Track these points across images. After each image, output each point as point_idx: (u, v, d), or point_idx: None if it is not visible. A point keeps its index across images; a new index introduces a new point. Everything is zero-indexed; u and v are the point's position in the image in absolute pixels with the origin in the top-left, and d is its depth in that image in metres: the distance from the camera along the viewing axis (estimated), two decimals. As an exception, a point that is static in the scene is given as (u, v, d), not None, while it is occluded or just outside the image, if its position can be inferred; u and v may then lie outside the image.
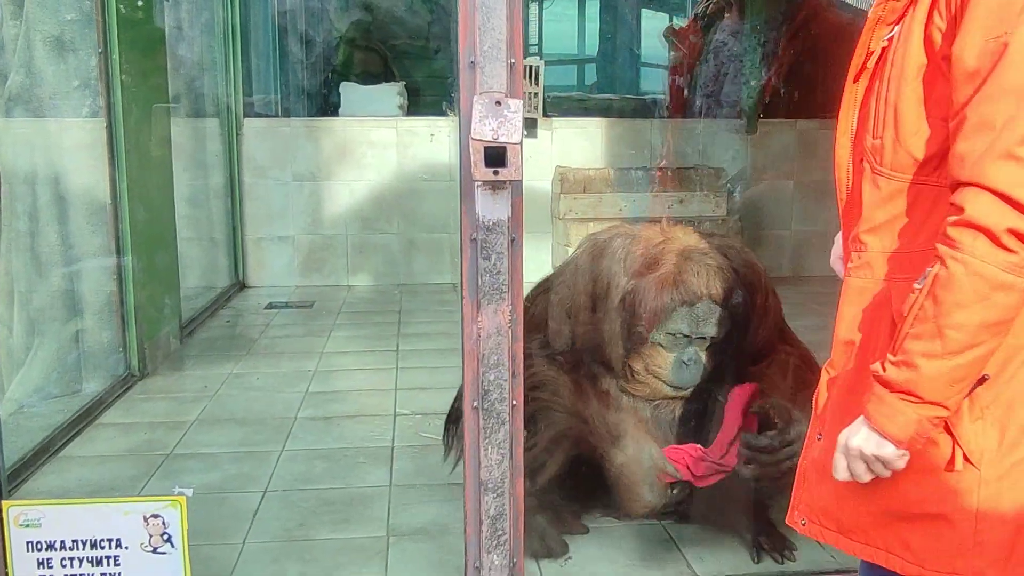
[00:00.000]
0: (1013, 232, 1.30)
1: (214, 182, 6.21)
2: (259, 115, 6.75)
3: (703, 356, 2.72)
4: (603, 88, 9.53)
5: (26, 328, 4.07)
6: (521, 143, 2.11)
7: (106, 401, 4.02)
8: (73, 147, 4.12)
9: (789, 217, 6.78)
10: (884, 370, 1.41)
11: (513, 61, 2.15)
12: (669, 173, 6.29)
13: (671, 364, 2.71)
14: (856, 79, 1.57)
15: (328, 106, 7.25)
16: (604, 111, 7.13)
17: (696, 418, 2.88)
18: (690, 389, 2.75)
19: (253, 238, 6.51)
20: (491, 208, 2.18)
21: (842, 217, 1.63)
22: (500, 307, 2.22)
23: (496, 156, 2.09)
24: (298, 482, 3.24)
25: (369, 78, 7.43)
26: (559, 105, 7.04)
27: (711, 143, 6.67)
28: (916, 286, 1.37)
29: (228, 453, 3.50)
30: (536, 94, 6.42)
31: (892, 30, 1.52)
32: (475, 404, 2.26)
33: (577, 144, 6.66)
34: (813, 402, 1.65)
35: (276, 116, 6.98)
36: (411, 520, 2.94)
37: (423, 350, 4.92)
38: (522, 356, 2.27)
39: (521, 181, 2.17)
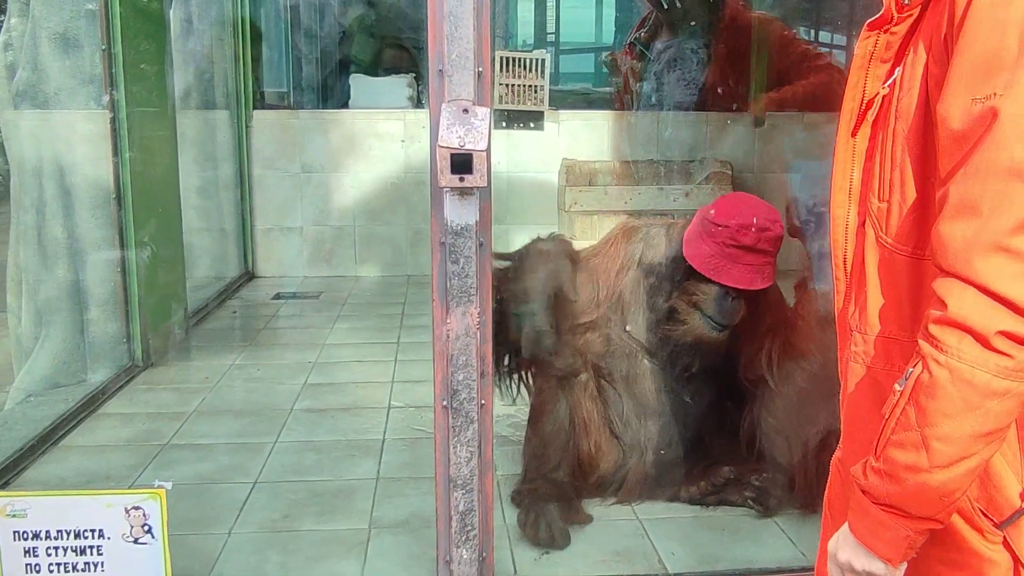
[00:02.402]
0: (1006, 335, 1.13)
1: (224, 173, 6.30)
2: (269, 107, 6.82)
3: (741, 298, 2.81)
4: (608, 76, 9.53)
5: (34, 319, 4.17)
6: (488, 150, 2.17)
7: (109, 391, 4.11)
8: (78, 140, 4.21)
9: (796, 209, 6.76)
10: (865, 477, 1.25)
11: (481, 70, 2.20)
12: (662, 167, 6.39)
13: (715, 296, 2.79)
14: (855, 132, 1.39)
15: (338, 98, 7.30)
16: (610, 104, 7.14)
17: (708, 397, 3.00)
18: (724, 333, 2.84)
19: (262, 228, 6.59)
20: (459, 213, 2.23)
21: (838, 286, 1.45)
22: (468, 309, 2.28)
23: (462, 163, 2.14)
24: (288, 473, 3.32)
25: (391, 71, 7.45)
26: (564, 99, 7.05)
27: (718, 137, 6.68)
28: (897, 387, 1.21)
29: (223, 444, 3.58)
30: (541, 87, 6.44)
31: (892, 73, 1.34)
32: (444, 403, 2.33)
33: (584, 136, 6.68)
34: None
35: (286, 108, 7.05)
36: (394, 513, 3.02)
37: (424, 342, 4.93)
38: (491, 357, 2.33)
39: (489, 187, 2.22)
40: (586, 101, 7.38)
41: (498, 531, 2.68)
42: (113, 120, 4.24)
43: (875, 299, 1.34)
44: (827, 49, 7.52)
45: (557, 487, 2.94)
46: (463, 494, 2.36)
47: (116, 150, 4.27)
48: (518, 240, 6.65)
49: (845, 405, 1.44)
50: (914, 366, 1.19)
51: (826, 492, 1.52)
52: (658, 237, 3.03)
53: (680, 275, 2.88)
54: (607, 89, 7.78)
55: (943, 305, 1.16)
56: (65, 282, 4.20)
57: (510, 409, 3.78)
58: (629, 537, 2.86)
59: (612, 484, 3.07)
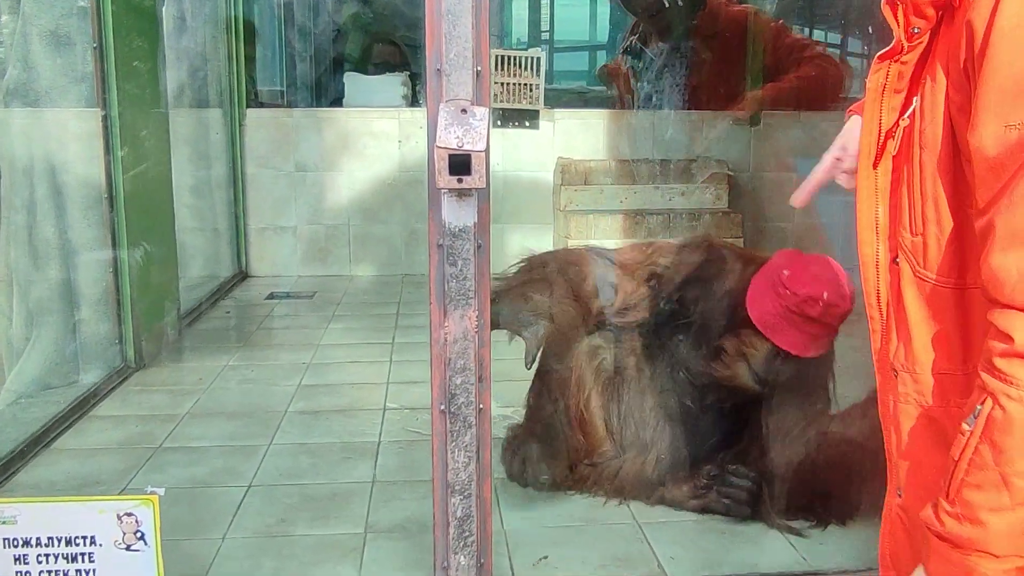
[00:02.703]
0: None
1: (217, 172, 6.25)
2: (262, 105, 6.78)
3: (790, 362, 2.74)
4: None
5: (24, 320, 4.13)
6: (487, 151, 2.13)
7: (101, 393, 4.07)
8: (70, 139, 4.16)
9: (791, 209, 6.73)
10: (941, 523, 1.20)
11: (480, 69, 2.17)
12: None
13: (766, 353, 2.73)
14: (876, 164, 1.36)
15: (332, 96, 7.27)
16: (606, 102, 7.11)
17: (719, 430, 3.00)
18: (754, 394, 2.82)
19: (256, 228, 6.55)
20: (457, 215, 2.20)
21: (873, 325, 1.41)
22: (467, 312, 2.24)
23: (461, 164, 2.11)
24: (282, 477, 3.28)
25: (385, 69, 7.42)
26: (559, 98, 7.02)
27: (714, 136, 6.65)
28: (965, 426, 1.17)
29: (216, 447, 3.54)
30: (537, 85, 6.41)
31: (910, 102, 1.32)
32: (442, 407, 2.29)
33: (579, 136, 6.65)
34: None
35: (280, 106, 7.00)
36: (390, 517, 2.98)
37: (419, 343, 4.94)
38: (489, 360, 2.30)
39: (487, 188, 2.19)
40: (582, 100, 7.35)
41: (496, 536, 2.65)
42: (105, 119, 4.19)
43: (920, 336, 1.31)
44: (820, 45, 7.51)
45: (550, 435, 2.96)
46: (461, 500, 2.32)
47: (108, 149, 4.23)
48: (512, 239, 6.67)
49: (902, 449, 1.39)
50: (982, 403, 1.15)
51: (884, 542, 1.48)
52: (729, 261, 2.97)
53: (734, 316, 2.81)
54: (602, 88, 7.77)
55: (1008, 338, 1.13)
56: (56, 282, 4.15)
57: (507, 411, 3.76)
58: (628, 541, 2.83)
59: (603, 475, 3.05)
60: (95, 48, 4.12)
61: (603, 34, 11.22)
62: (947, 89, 1.23)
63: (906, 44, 1.31)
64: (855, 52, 8.53)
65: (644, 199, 6.34)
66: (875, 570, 2.67)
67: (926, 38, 1.29)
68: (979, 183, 1.17)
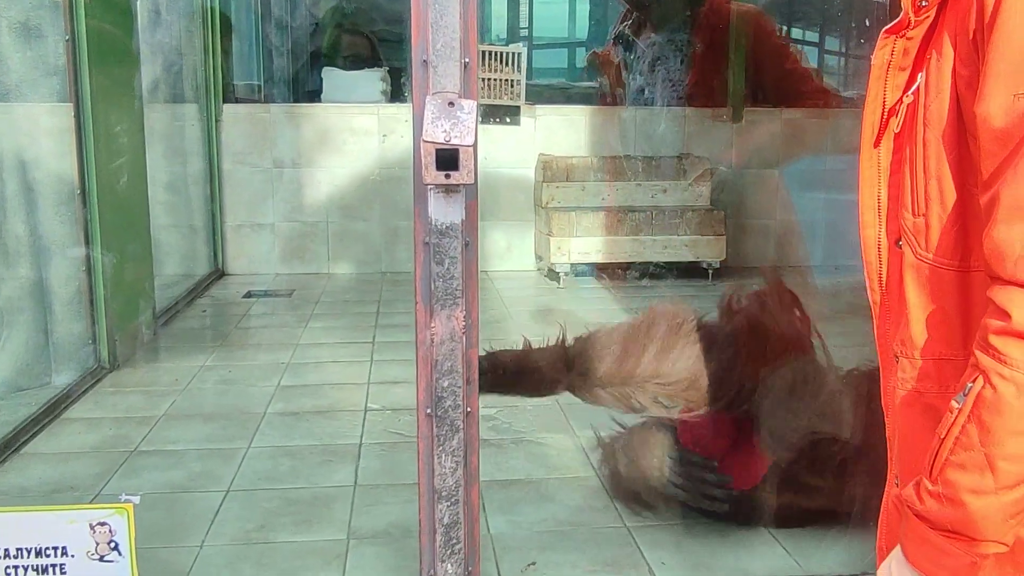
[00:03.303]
0: None
1: (193, 168, 6.14)
2: (239, 100, 6.68)
3: None
4: (592, 73, 9.47)
5: (-5, 319, 4.02)
6: (475, 145, 2.06)
7: (74, 394, 3.97)
8: (41, 134, 4.05)
9: (773, 206, 6.73)
10: (921, 501, 1.16)
11: (467, 60, 2.09)
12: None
13: None
14: (877, 143, 1.32)
15: (310, 91, 7.17)
16: (587, 98, 7.06)
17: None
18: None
19: (233, 225, 6.45)
20: (444, 212, 2.12)
21: (876, 310, 1.37)
22: (454, 312, 2.17)
23: (448, 159, 2.03)
24: (262, 481, 3.20)
25: (360, 63, 7.33)
26: (541, 94, 6.96)
27: (696, 132, 6.61)
28: (955, 404, 1.13)
29: (193, 450, 3.45)
30: (518, 81, 6.34)
31: (914, 79, 1.27)
32: (428, 411, 2.22)
33: (561, 132, 6.59)
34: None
35: (257, 102, 6.90)
36: (373, 522, 2.90)
37: (400, 342, 4.86)
38: (476, 362, 2.23)
39: (475, 184, 2.12)
40: (564, 96, 7.29)
41: (482, 541, 2.58)
42: (77, 113, 4.09)
43: (918, 320, 1.26)
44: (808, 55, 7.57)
45: None
46: (448, 506, 2.25)
47: (81, 145, 4.12)
48: (493, 237, 6.61)
49: (899, 437, 1.34)
50: (973, 381, 1.10)
51: (881, 532, 1.43)
52: None
53: None
54: (583, 84, 7.71)
55: (1005, 315, 1.07)
56: (28, 281, 4.04)
57: (491, 411, 3.70)
58: (617, 545, 2.77)
59: None
60: (67, 41, 4.01)
61: (582, 31, 11.18)
62: (955, 64, 1.19)
63: (913, 18, 1.26)
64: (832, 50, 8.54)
65: (627, 196, 6.30)
66: (869, 574, 2.63)
67: (933, 12, 1.25)
68: (985, 156, 1.13)
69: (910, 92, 1.27)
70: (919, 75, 1.26)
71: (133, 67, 4.70)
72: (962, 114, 1.18)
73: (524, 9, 11.28)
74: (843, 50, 8.38)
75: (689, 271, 6.21)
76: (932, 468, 1.15)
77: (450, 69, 2.08)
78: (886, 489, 1.45)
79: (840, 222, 6.15)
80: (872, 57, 1.31)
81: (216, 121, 6.29)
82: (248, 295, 5.90)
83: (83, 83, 4.08)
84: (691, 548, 2.76)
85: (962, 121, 1.19)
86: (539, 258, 6.55)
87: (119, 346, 4.36)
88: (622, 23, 6.64)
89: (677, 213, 6.19)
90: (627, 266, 6.16)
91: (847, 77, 7.95)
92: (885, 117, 1.30)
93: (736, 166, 6.66)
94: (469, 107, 2.06)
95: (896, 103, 1.29)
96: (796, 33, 8.67)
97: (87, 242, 4.17)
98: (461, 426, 2.21)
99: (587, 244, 6.15)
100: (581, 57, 10.88)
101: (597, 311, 5.37)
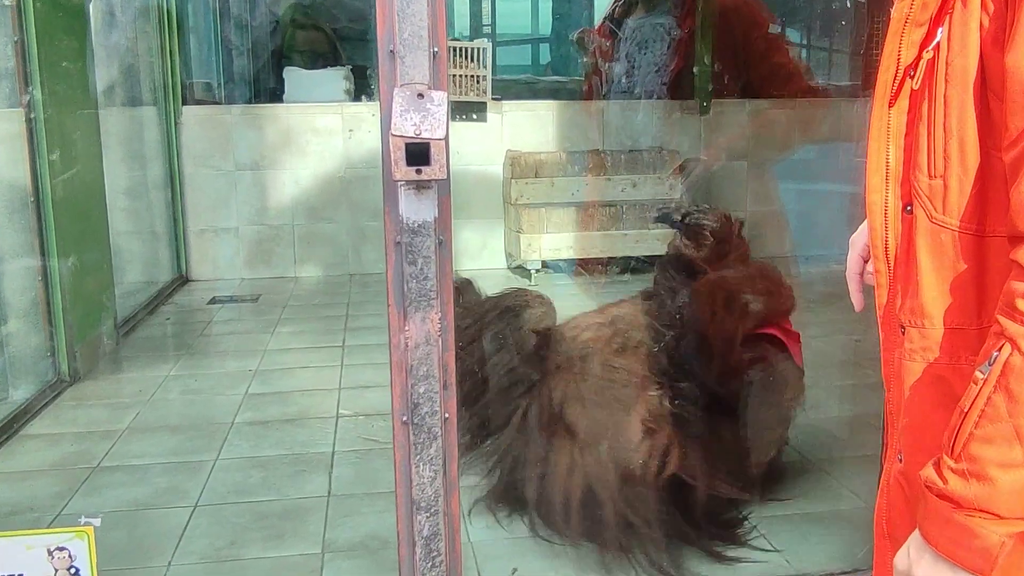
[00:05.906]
0: None
1: (153, 173, 5.98)
2: (199, 102, 6.52)
3: None
4: (557, 69, 9.39)
5: (-53, 334, 3.87)
6: (447, 138, 1.97)
7: (33, 409, 3.82)
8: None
9: (743, 198, 6.68)
10: (945, 480, 1.09)
11: (436, 50, 2.00)
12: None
13: None
14: (892, 103, 1.24)
15: (271, 92, 7.03)
16: (555, 93, 6.98)
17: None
18: None
19: (195, 230, 6.29)
20: (415, 209, 2.03)
21: (878, 279, 1.30)
22: (429, 315, 2.07)
23: (419, 153, 1.93)
24: (231, 494, 3.08)
25: (316, 59, 7.20)
26: (508, 89, 6.87)
27: (663, 125, 6.55)
28: (979, 374, 1.07)
29: (159, 464, 3.33)
30: (484, 77, 6.25)
31: (933, 34, 1.20)
32: (404, 419, 2.12)
33: (528, 127, 6.50)
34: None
35: (217, 103, 6.74)
36: (349, 534, 2.80)
37: (370, 345, 4.76)
38: (454, 366, 2.13)
39: (448, 179, 2.02)
40: (529, 91, 7.20)
41: (464, 550, 2.48)
42: (30, 119, 3.94)
43: (930, 287, 1.19)
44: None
45: None
46: (427, 517, 2.15)
47: (34, 151, 3.97)
48: (462, 235, 6.49)
49: (904, 410, 1.27)
50: (999, 349, 1.03)
51: (880, 512, 1.35)
52: None
53: None
54: (549, 78, 7.63)
55: None
56: (-19, 293, 3.90)
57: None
58: (606, 553, 2.68)
59: None
60: (16, 43, 3.86)
61: (546, 27, 11.12)
62: (980, 18, 1.12)
63: None
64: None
65: (597, 190, 6.22)
66: (861, 571, 2.57)
67: None
68: (1013, 109, 1.06)
69: (930, 48, 1.20)
70: (939, 30, 1.18)
71: (87, 70, 4.55)
72: (987, 71, 1.11)
73: (487, 5, 11.20)
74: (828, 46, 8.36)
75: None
76: (954, 444, 1.08)
77: (418, 59, 1.98)
78: (885, 467, 1.38)
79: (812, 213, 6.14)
80: (892, 11, 1.24)
81: (175, 124, 6.13)
82: (213, 301, 5.76)
83: (35, 87, 3.93)
84: (678, 549, 2.68)
85: (986, 79, 1.12)
86: (510, 256, 6.45)
87: (79, 358, 4.21)
88: (615, 3, 6.57)
89: (649, 207, 6.12)
90: (606, 261, 6.08)
91: (831, 71, 7.93)
92: (901, 76, 1.23)
93: (706, 158, 6.61)
94: (439, 98, 1.97)
95: (915, 60, 1.22)
96: (788, 31, 8.65)
97: (42, 251, 4.03)
98: (439, 433, 2.12)
99: (558, 240, 6.06)
100: (545, 53, 10.82)
101: (569, 307, 5.28)
